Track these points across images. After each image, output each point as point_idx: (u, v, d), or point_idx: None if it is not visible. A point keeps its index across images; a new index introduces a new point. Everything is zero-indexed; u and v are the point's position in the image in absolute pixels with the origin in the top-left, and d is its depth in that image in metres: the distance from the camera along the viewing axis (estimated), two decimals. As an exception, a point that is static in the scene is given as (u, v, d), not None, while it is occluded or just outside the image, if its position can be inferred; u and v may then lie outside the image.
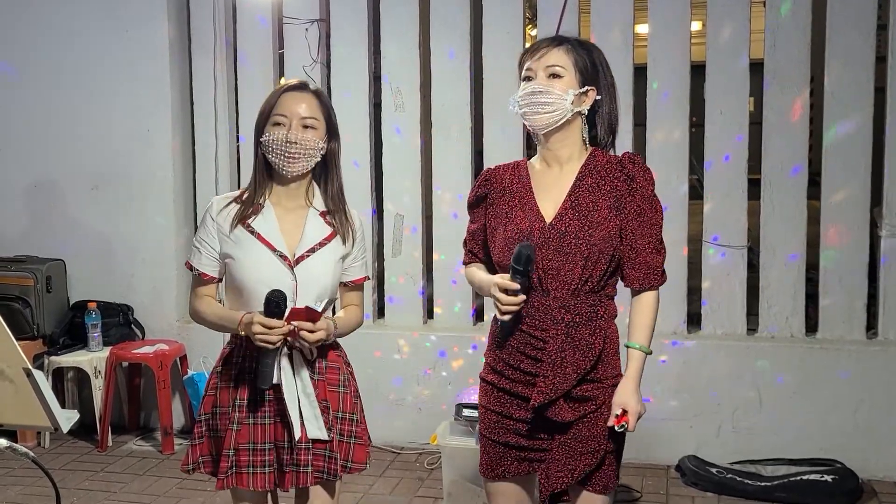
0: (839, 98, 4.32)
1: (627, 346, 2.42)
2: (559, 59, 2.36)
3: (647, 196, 2.38)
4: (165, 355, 4.89)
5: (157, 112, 5.08)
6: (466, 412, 3.91)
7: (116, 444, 4.96)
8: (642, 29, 4.79)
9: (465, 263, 2.63)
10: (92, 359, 4.91)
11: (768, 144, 4.43)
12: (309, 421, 2.50)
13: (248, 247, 2.51)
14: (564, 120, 2.37)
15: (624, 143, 4.53)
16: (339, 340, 2.67)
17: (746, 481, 4.11)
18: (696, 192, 4.65)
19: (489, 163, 4.70)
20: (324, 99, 2.58)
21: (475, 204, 2.56)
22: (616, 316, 2.46)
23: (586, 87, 2.38)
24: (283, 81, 4.89)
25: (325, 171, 2.61)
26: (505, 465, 2.46)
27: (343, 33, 4.88)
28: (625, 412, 2.32)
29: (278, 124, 2.50)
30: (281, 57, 5.06)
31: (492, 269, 2.50)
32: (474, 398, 3.96)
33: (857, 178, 4.32)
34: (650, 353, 2.41)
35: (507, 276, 2.31)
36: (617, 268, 2.42)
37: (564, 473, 2.37)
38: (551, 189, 2.41)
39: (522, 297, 2.30)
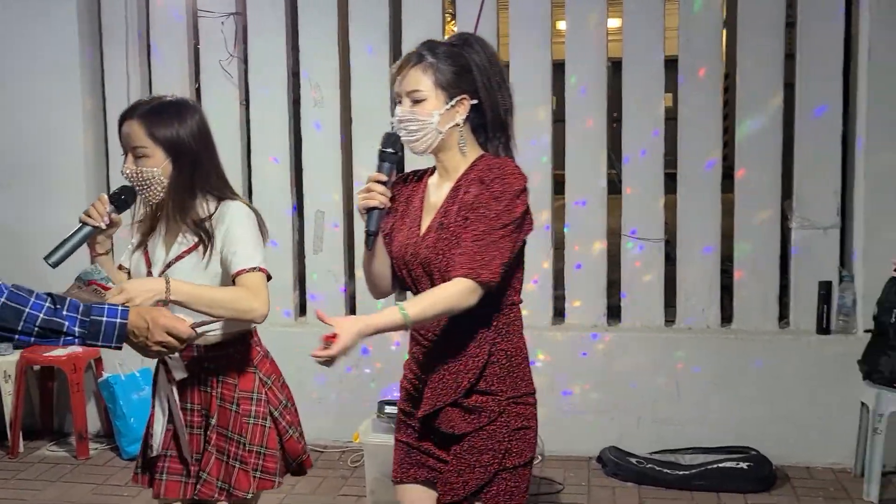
0: (751, 94, 4.43)
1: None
2: (418, 82, 2.27)
3: (488, 197, 2.23)
4: (79, 358, 4.75)
5: (68, 107, 4.92)
6: (389, 409, 3.90)
7: (29, 450, 4.80)
8: (561, 25, 4.83)
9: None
10: (1, 362, 4.74)
11: (683, 139, 4.51)
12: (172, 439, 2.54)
13: (135, 260, 2.58)
14: (439, 140, 2.30)
15: (543, 138, 4.57)
16: (251, 361, 2.56)
17: (665, 470, 4.19)
18: (614, 187, 4.71)
19: (409, 158, 4.68)
20: (148, 122, 2.42)
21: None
22: (517, 329, 2.34)
23: (455, 100, 2.28)
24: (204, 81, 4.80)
25: (176, 191, 2.47)
26: (408, 468, 2.41)
27: (260, 28, 4.81)
28: (335, 336, 2.11)
29: (124, 155, 2.49)
30: (197, 51, 4.96)
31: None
32: (397, 395, 3.97)
33: (769, 171, 4.43)
34: (407, 325, 2.17)
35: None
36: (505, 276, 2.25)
37: (458, 485, 2.29)
38: (437, 201, 2.35)
39: (385, 178, 2.28)
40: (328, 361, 2.11)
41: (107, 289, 2.33)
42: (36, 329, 1.98)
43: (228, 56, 4.80)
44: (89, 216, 2.42)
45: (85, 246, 2.46)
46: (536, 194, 4.47)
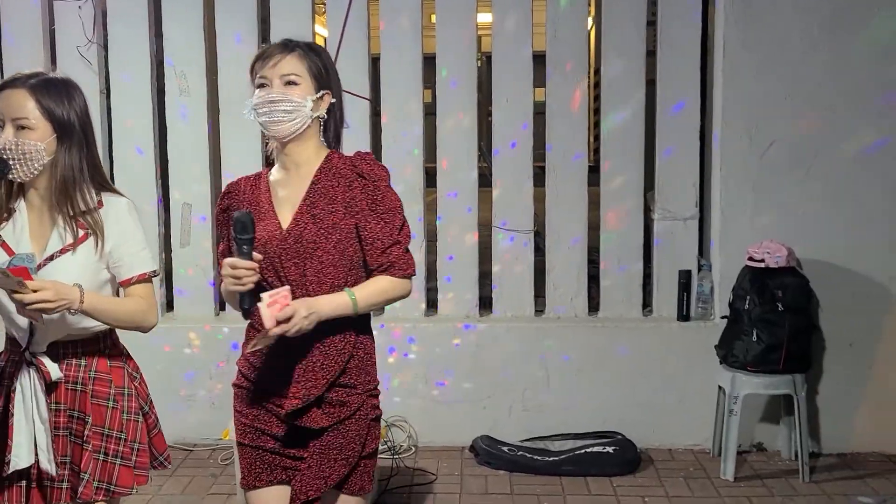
0: (615, 89, 4.56)
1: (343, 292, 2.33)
2: (294, 66, 2.33)
3: (379, 189, 2.35)
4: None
5: None
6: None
7: None
8: (433, 18, 4.85)
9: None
10: None
11: (551, 133, 4.61)
12: (40, 450, 2.33)
13: None
14: (306, 126, 2.34)
15: (414, 130, 4.59)
16: (121, 355, 2.48)
17: (536, 457, 4.28)
18: (485, 179, 4.78)
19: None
20: (41, 94, 2.28)
21: (219, 219, 2.49)
22: (369, 323, 2.43)
23: (322, 92, 2.36)
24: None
25: (61, 174, 2.32)
26: (262, 471, 2.39)
27: (121, 13, 4.62)
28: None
29: None
30: (53, 36, 4.72)
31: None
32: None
33: (632, 164, 4.58)
34: (355, 309, 2.29)
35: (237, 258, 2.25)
36: (365, 269, 2.37)
37: (319, 480, 2.32)
38: (290, 195, 2.38)
39: (253, 263, 2.24)
40: (260, 341, 2.21)
41: (30, 279, 2.16)
42: None
43: (87, 42, 4.60)
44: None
45: None
46: (408, 186, 4.53)
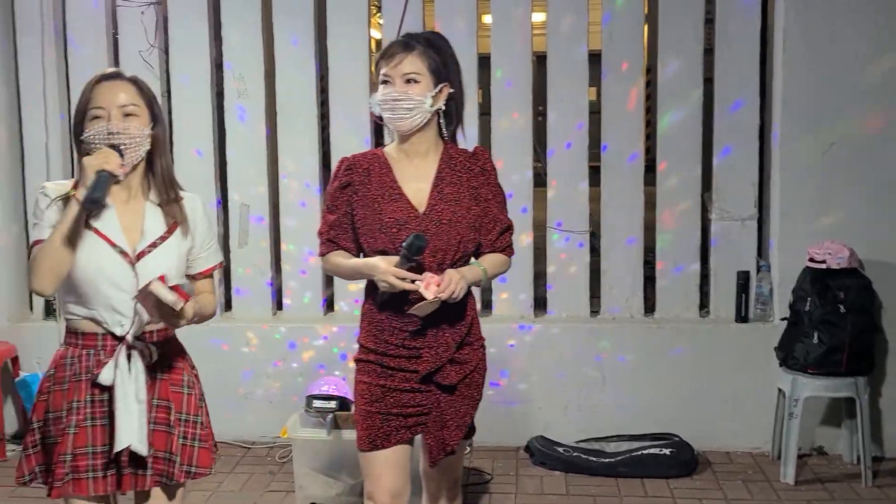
0: (671, 88, 4.52)
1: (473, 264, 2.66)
2: (414, 65, 2.55)
3: (496, 181, 2.70)
4: (-5, 357, 4.61)
5: (-21, 100, 4.77)
6: (317, 404, 3.87)
7: (-58, 454, 4.64)
8: (487, 19, 4.86)
9: (323, 254, 2.70)
10: (-88, 364, 4.58)
11: (607, 132, 4.58)
12: (134, 430, 2.39)
13: (86, 242, 2.36)
14: (426, 120, 2.58)
15: (470, 131, 4.58)
16: (182, 344, 2.58)
17: (591, 458, 4.26)
18: (539, 179, 4.77)
19: (336, 150, 4.67)
20: (142, 85, 2.46)
21: (339, 192, 2.65)
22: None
23: (440, 86, 2.57)
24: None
25: (152, 160, 2.48)
26: (387, 434, 2.61)
27: (181, 17, 4.71)
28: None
29: (97, 118, 2.38)
30: (116, 41, 4.83)
31: (358, 256, 2.66)
32: (325, 389, 3.95)
33: (689, 164, 4.53)
34: (485, 278, 2.64)
35: (395, 259, 2.49)
36: (477, 247, 2.68)
37: (458, 430, 2.63)
38: (414, 180, 2.61)
39: (414, 287, 2.51)
40: (424, 308, 2.47)
41: (186, 298, 2.29)
42: None
43: (149, 46, 4.69)
44: (108, 163, 2.28)
45: None
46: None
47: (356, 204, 2.62)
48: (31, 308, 5.03)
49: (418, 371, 2.59)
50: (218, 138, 4.83)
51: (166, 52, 4.77)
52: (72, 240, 2.31)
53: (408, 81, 2.54)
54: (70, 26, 4.78)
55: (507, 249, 2.72)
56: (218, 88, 4.82)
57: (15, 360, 4.78)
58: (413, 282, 2.48)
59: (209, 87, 4.75)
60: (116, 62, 4.80)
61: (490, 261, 2.66)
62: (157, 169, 2.47)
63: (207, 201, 4.70)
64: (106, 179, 2.28)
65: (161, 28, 4.74)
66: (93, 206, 2.27)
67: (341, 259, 2.66)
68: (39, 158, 4.82)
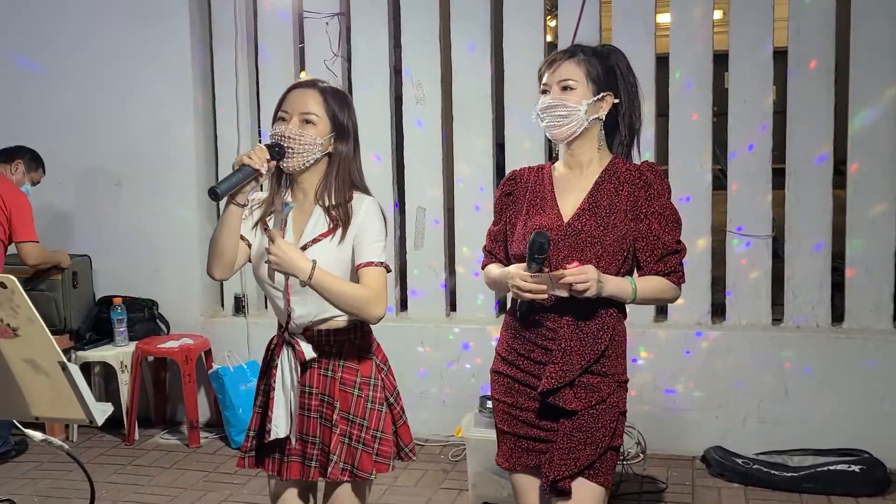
0: (864, 85, 4.28)
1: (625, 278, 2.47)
2: (570, 72, 2.47)
3: (664, 199, 2.50)
4: (191, 349, 4.93)
5: (179, 106, 5.11)
6: (490, 404, 3.90)
7: (143, 438, 5.00)
8: (663, 18, 4.76)
9: (484, 266, 2.70)
10: (118, 353, 4.96)
11: (792, 133, 4.39)
12: (281, 418, 2.55)
13: (258, 240, 2.57)
14: (582, 128, 2.48)
15: (646, 133, 4.51)
16: (372, 348, 2.62)
17: (773, 472, 4.10)
18: (719, 182, 4.62)
19: (510, 155, 4.71)
20: (329, 96, 2.51)
21: (500, 202, 2.66)
22: (626, 317, 2.56)
23: (602, 94, 2.48)
24: (303, 76, 4.92)
25: (330, 170, 2.54)
26: (517, 457, 2.55)
27: (363, 27, 4.89)
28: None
29: (282, 119, 2.50)
30: (302, 51, 5.07)
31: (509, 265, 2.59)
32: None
33: (883, 166, 4.28)
34: (634, 297, 2.44)
35: (524, 266, 2.41)
36: (630, 270, 2.50)
37: (569, 462, 2.42)
38: (572, 191, 2.53)
39: (541, 287, 2.37)
40: (544, 279, 2.34)
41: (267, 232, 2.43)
42: None
43: (332, 56, 4.90)
44: (250, 159, 2.41)
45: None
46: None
47: (511, 214, 2.60)
48: (223, 305, 5.35)
49: (537, 387, 2.46)
50: (396, 143, 4.97)
51: (349, 60, 4.96)
52: (226, 229, 2.47)
53: (564, 88, 2.47)
54: (261, 37, 5.07)
55: (672, 275, 2.48)
56: (396, 94, 4.96)
57: (208, 353, 5.10)
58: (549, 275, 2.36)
59: (388, 93, 4.90)
60: (301, 71, 5.05)
61: (646, 282, 2.47)
62: (332, 177, 2.52)
63: (385, 204, 4.88)
64: (245, 173, 2.39)
65: (344, 38, 4.94)
66: (216, 197, 2.37)
67: (495, 270, 2.62)
68: (232, 159, 5.09)
